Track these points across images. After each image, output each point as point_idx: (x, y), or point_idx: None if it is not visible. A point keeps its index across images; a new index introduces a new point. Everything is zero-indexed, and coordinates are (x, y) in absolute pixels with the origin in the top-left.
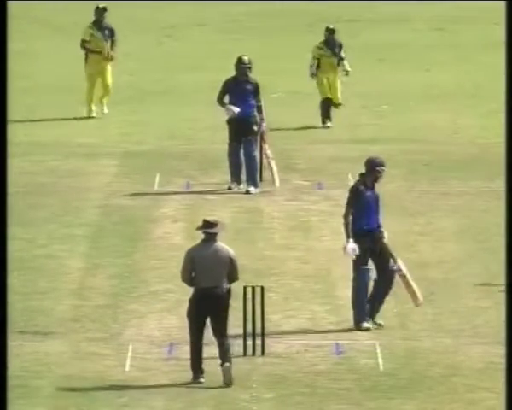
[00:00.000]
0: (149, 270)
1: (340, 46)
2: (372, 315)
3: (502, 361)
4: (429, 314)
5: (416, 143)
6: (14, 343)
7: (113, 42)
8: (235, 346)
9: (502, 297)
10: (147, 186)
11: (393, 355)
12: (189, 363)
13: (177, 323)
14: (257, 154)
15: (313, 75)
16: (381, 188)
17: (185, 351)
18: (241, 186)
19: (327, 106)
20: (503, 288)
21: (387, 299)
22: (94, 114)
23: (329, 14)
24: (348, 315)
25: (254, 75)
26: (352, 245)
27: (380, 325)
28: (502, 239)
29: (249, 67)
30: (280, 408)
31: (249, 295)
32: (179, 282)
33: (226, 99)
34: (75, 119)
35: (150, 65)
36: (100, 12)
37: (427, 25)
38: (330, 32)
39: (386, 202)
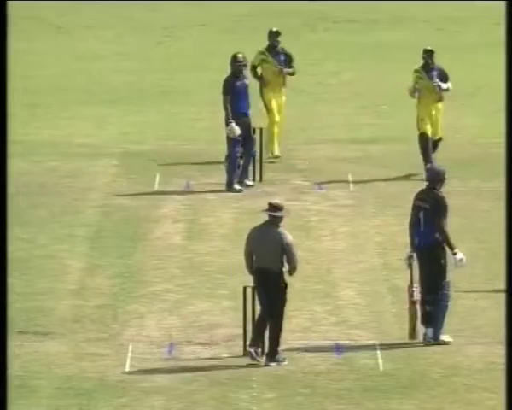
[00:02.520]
0: (149, 270)
1: (441, 71)
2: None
3: (502, 361)
4: None
5: (416, 143)
6: (14, 343)
7: (291, 68)
8: (235, 347)
9: (502, 297)
10: (147, 186)
11: (393, 355)
12: (188, 363)
13: (177, 323)
14: (255, 151)
15: (414, 95)
16: (381, 188)
17: (185, 351)
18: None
19: (425, 142)
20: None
21: (387, 299)
22: (277, 153)
23: (329, 14)
24: (348, 315)
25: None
26: (462, 255)
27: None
28: (502, 239)
29: (244, 64)
30: (280, 408)
31: (249, 296)
32: (179, 282)
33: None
34: (75, 119)
35: (150, 65)
36: (273, 36)
37: (427, 25)
38: (428, 53)
39: (387, 202)
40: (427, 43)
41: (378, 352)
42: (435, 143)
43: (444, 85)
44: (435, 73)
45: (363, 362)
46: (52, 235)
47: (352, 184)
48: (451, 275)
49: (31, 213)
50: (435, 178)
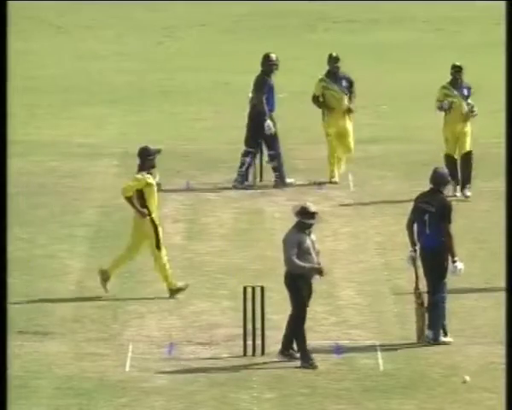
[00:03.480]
0: (149, 270)
1: (469, 89)
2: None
3: (502, 361)
4: None
5: (416, 143)
6: (14, 343)
7: (351, 94)
8: (235, 347)
9: (502, 297)
10: None
11: (393, 355)
12: (188, 363)
13: (177, 323)
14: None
15: (443, 109)
16: (381, 188)
17: (185, 351)
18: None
19: (451, 165)
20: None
21: (387, 299)
22: (336, 179)
23: (329, 14)
24: (348, 315)
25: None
26: (461, 264)
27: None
28: (502, 239)
29: (277, 64)
30: (280, 408)
31: (249, 296)
32: (179, 282)
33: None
34: (75, 119)
35: (150, 65)
36: (333, 61)
37: (427, 25)
38: (457, 69)
39: (386, 202)
40: (427, 43)
41: (378, 352)
42: (465, 159)
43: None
44: (465, 90)
45: (363, 362)
46: (52, 235)
47: (352, 184)
48: (451, 275)
49: (31, 213)
50: (440, 181)
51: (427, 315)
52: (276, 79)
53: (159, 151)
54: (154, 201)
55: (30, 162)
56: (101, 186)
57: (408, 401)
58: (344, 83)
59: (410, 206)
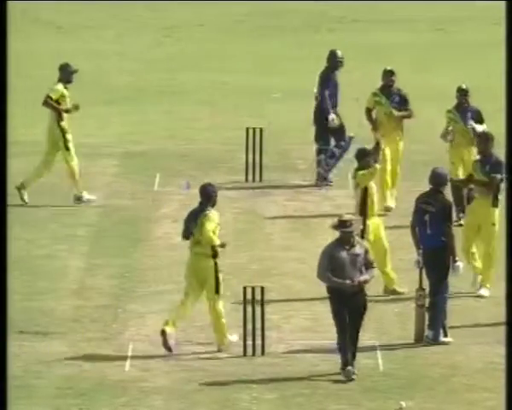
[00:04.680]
0: (149, 270)
1: (479, 114)
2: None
3: (502, 361)
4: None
5: (416, 143)
6: (14, 343)
7: (406, 111)
8: (235, 347)
9: (502, 297)
10: (147, 186)
11: (393, 355)
12: (188, 363)
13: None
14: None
15: (447, 139)
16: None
17: (185, 351)
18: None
19: (458, 191)
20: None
21: (388, 299)
22: (390, 204)
23: (331, 14)
24: None
25: (255, 75)
26: (462, 265)
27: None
28: (502, 239)
29: (342, 62)
30: (280, 408)
31: (249, 296)
32: (179, 282)
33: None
34: (75, 119)
35: (150, 65)
36: (387, 75)
37: (427, 25)
38: (462, 93)
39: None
40: (427, 43)
41: (378, 352)
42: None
43: (479, 128)
44: (470, 114)
45: (363, 362)
46: (52, 235)
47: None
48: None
49: (31, 213)
50: (440, 181)
51: (427, 315)
52: (277, 79)
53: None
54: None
55: (30, 162)
56: (101, 186)
57: (408, 401)
58: (396, 99)
59: (411, 206)
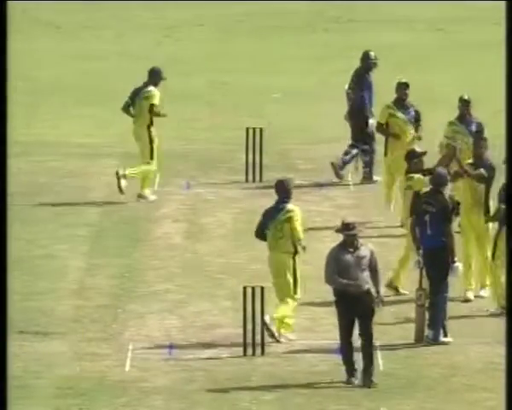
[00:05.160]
0: (149, 270)
1: (480, 126)
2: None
3: (502, 361)
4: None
5: (416, 143)
6: (14, 343)
7: (417, 126)
8: (235, 347)
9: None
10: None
11: (393, 355)
12: (188, 363)
13: (177, 323)
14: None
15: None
16: (381, 188)
17: (185, 351)
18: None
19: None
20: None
21: (387, 299)
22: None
23: (329, 14)
24: None
25: (255, 75)
26: (460, 265)
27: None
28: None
29: (375, 63)
30: (280, 409)
31: (249, 296)
32: (179, 282)
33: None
34: (75, 119)
35: (150, 65)
36: (402, 88)
37: (427, 25)
38: (465, 103)
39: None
40: (427, 43)
41: (378, 352)
42: None
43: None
44: (473, 126)
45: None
46: (52, 235)
47: (351, 185)
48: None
49: (31, 213)
50: (440, 181)
51: (427, 315)
52: (277, 79)
53: None
54: None
55: (30, 162)
56: (101, 186)
57: (407, 400)
58: (411, 112)
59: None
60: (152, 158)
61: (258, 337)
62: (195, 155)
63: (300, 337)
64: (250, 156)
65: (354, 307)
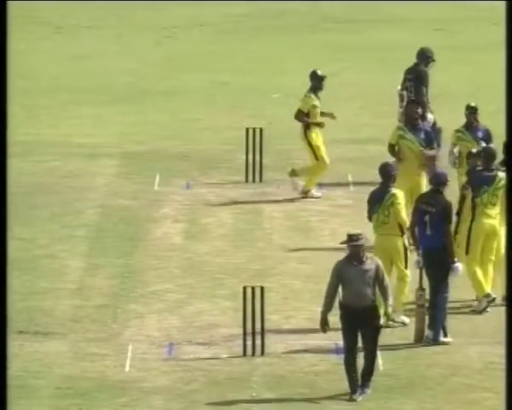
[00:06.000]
0: (149, 270)
1: (488, 134)
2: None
3: (502, 361)
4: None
5: None
6: (14, 343)
7: (430, 147)
8: (235, 347)
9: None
10: (147, 186)
11: (393, 355)
12: (188, 363)
13: (177, 323)
14: None
15: (455, 164)
16: None
17: (185, 351)
18: None
19: None
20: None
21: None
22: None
23: (330, 14)
24: None
25: (255, 75)
26: (460, 266)
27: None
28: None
29: (432, 58)
30: (280, 408)
31: (249, 296)
32: (179, 282)
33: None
34: (75, 119)
35: (150, 65)
36: (412, 107)
37: (427, 25)
38: (471, 111)
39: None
40: (427, 43)
41: (378, 352)
42: None
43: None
44: (480, 133)
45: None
46: (52, 235)
47: (351, 185)
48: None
49: (31, 213)
50: (440, 181)
51: (427, 315)
52: (277, 79)
53: None
54: None
55: (30, 162)
56: (101, 186)
57: (408, 400)
58: (422, 135)
59: (411, 206)
60: (317, 159)
61: (257, 338)
62: (195, 155)
63: (300, 337)
64: (250, 156)
65: (358, 323)
